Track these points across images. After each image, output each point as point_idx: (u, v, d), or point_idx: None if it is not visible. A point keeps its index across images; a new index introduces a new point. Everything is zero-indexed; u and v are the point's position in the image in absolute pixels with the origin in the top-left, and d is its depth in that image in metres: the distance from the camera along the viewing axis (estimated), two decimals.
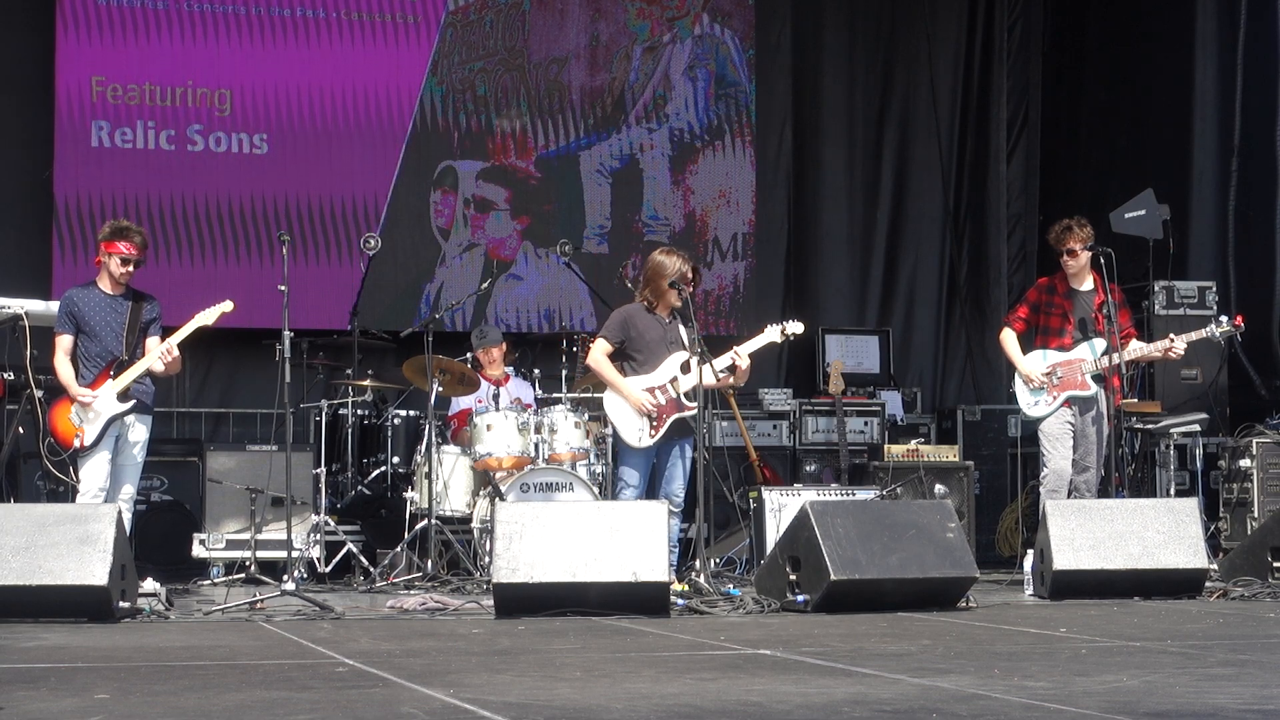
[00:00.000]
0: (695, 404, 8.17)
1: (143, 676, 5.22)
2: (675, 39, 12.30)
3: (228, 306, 8.09)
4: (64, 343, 8.01)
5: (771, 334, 8.43)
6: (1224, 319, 9.20)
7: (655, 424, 8.17)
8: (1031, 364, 8.87)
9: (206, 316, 8.08)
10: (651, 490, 8.30)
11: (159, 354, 7.96)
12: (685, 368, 8.25)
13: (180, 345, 8.04)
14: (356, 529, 9.66)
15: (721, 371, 8.20)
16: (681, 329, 8.35)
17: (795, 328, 8.46)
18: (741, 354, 8.25)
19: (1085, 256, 8.83)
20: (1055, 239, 8.94)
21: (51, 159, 11.13)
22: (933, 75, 13.04)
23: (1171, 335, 9.00)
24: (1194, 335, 8.95)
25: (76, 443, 7.82)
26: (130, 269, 8.03)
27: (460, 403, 9.70)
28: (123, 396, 7.93)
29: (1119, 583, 7.91)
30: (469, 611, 7.40)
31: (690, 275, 8.25)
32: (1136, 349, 8.84)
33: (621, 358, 8.32)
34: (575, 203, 12.08)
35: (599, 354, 8.33)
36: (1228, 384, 10.65)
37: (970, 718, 4.25)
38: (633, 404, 8.18)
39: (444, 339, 10.19)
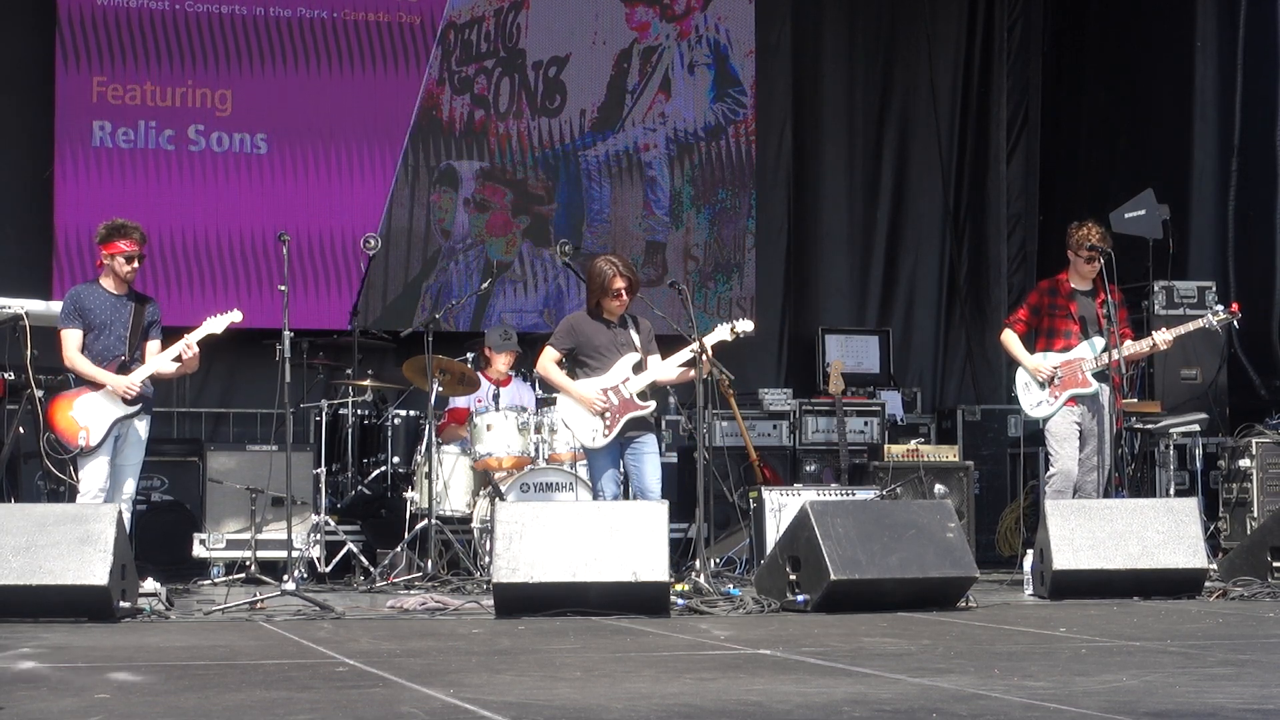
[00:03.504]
0: (650, 403, 8.26)
1: (143, 676, 5.22)
2: (675, 39, 12.30)
3: (237, 316, 8.08)
4: (75, 338, 7.94)
5: (722, 332, 8.45)
6: (1219, 307, 9.20)
7: (609, 423, 8.19)
8: (1038, 360, 8.85)
9: (216, 324, 8.05)
10: (626, 491, 8.33)
11: (180, 350, 7.94)
12: (637, 368, 8.29)
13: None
14: (356, 529, 9.66)
15: (681, 366, 8.25)
16: (633, 333, 8.36)
17: (745, 326, 8.50)
18: (706, 344, 8.22)
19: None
20: (1085, 236, 8.81)
21: (51, 159, 11.13)
22: (933, 75, 13.05)
23: (1163, 328, 9.00)
24: (1189, 326, 8.94)
25: (81, 442, 7.79)
26: (136, 265, 8.01)
27: (453, 402, 9.68)
28: (130, 398, 7.93)
29: (1119, 583, 7.91)
30: (469, 611, 7.40)
31: (619, 286, 8.23)
32: (1128, 347, 8.81)
33: (574, 364, 8.36)
34: (575, 203, 12.09)
35: (547, 361, 8.38)
36: (1227, 384, 10.65)
37: (970, 718, 4.25)
38: (584, 404, 8.21)
39: (444, 339, 10.19)
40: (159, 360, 8.00)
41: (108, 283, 8.04)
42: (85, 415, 7.82)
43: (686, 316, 8.43)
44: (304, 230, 11.40)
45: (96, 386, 7.86)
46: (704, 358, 8.08)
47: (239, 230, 11.37)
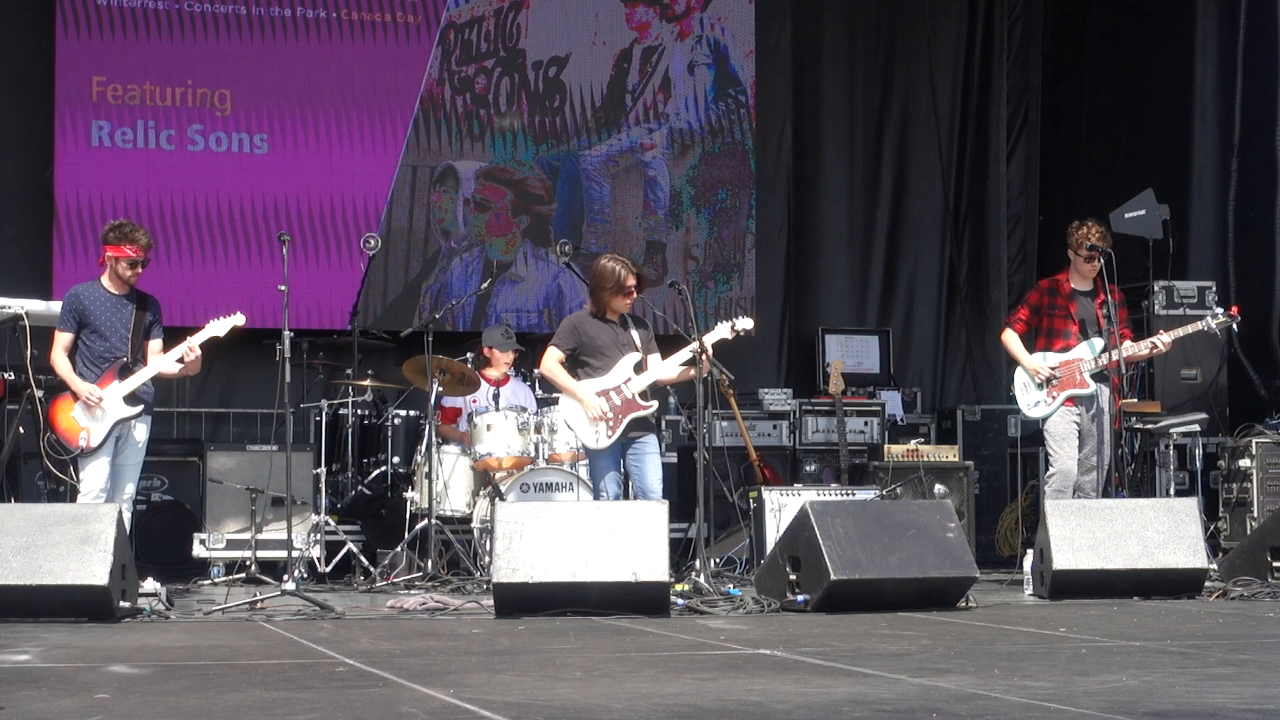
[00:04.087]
0: (652, 403, 8.27)
1: (143, 676, 5.22)
2: (675, 39, 12.30)
3: (240, 320, 8.09)
4: (64, 339, 7.97)
5: (722, 330, 8.44)
6: (1219, 310, 9.19)
7: (612, 424, 8.19)
8: (1037, 360, 8.85)
9: (219, 327, 8.05)
10: (627, 491, 8.33)
11: (182, 352, 7.95)
12: (639, 368, 8.29)
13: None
14: (356, 529, 9.66)
15: (682, 365, 8.25)
16: (634, 332, 8.37)
17: (745, 324, 8.48)
18: (707, 344, 8.21)
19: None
20: (1085, 235, 8.80)
21: (51, 159, 11.13)
22: (933, 75, 13.05)
23: (1161, 330, 9.00)
24: (1188, 329, 8.94)
25: (82, 443, 7.78)
26: (138, 270, 8.00)
27: (446, 401, 9.67)
28: (131, 399, 7.92)
29: (1119, 583, 7.91)
30: (469, 611, 7.40)
31: (633, 283, 8.25)
32: (1127, 348, 8.81)
33: (576, 364, 8.36)
34: (575, 203, 12.09)
35: (551, 361, 8.36)
36: (1227, 384, 10.65)
37: (970, 718, 4.25)
38: (586, 409, 8.21)
39: (444, 339, 10.19)
40: (161, 362, 8.00)
41: (109, 282, 8.02)
42: (86, 416, 7.82)
43: (687, 316, 8.42)
44: (304, 230, 11.41)
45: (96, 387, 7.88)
46: (704, 357, 8.08)
47: (239, 230, 11.38)
